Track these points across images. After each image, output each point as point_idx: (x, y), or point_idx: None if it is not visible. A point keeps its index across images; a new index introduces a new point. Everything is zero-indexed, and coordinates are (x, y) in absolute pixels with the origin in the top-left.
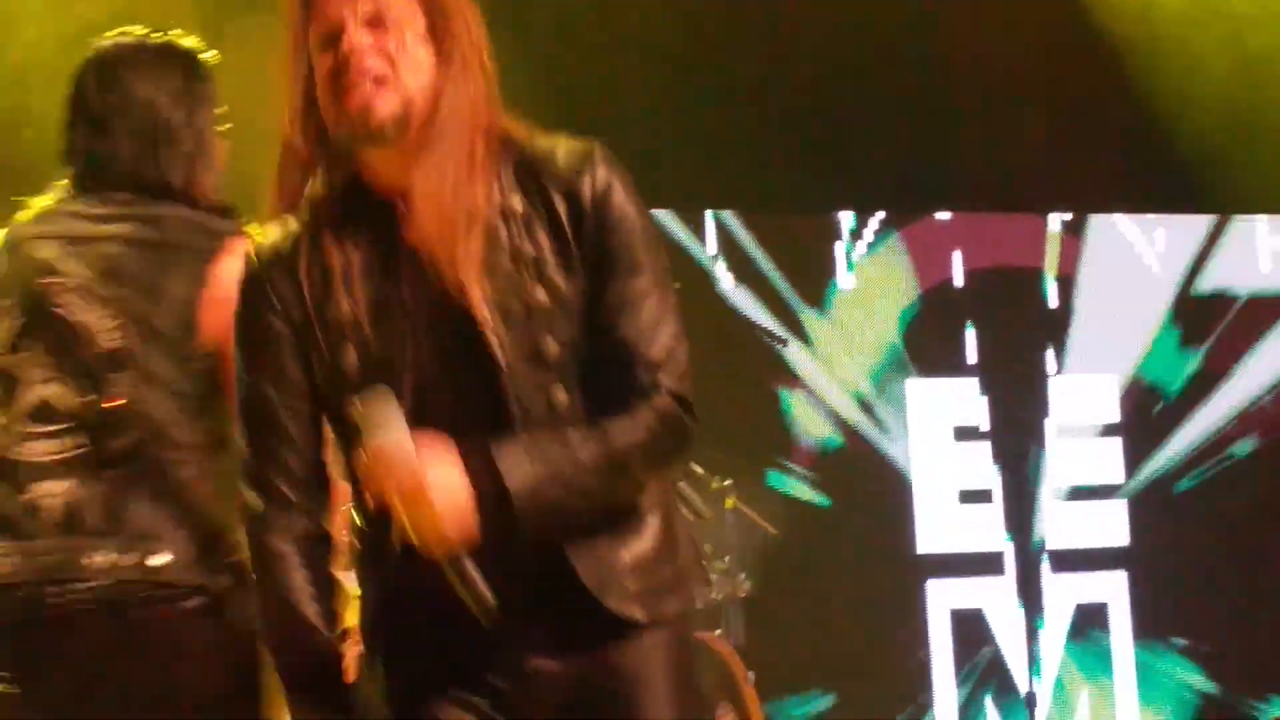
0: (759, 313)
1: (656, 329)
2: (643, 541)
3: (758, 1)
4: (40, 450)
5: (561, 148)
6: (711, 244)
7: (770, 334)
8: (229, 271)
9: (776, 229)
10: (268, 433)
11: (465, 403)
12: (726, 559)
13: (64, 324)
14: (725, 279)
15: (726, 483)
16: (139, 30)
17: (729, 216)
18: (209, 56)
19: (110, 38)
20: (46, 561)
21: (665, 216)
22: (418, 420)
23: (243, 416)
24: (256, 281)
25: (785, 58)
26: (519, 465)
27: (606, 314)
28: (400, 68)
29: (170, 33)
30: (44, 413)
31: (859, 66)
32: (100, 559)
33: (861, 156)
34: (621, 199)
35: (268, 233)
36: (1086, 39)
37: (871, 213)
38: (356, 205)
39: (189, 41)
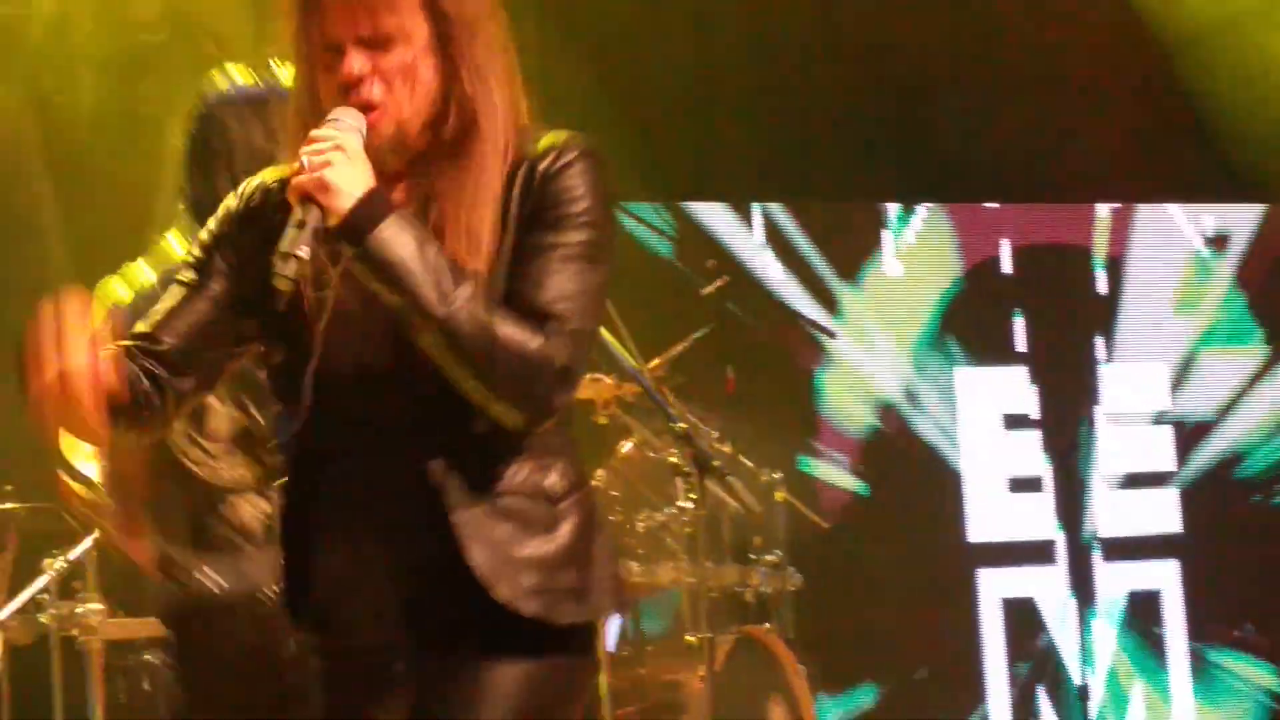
0: (806, 304)
1: (557, 287)
2: (550, 542)
3: None
4: (236, 471)
5: (548, 136)
6: (759, 235)
7: (818, 326)
8: None
9: (823, 220)
10: (165, 318)
11: (386, 355)
12: (776, 553)
13: None
14: (774, 270)
15: (776, 476)
16: (242, 70)
17: (776, 209)
18: None
19: (213, 79)
20: (255, 576)
21: (715, 209)
22: (329, 366)
23: (158, 297)
24: (232, 210)
25: (833, 51)
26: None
27: (517, 262)
28: (397, 91)
29: (272, 64)
30: (237, 437)
31: (907, 58)
32: None
33: (908, 147)
34: (575, 175)
35: (270, 175)
36: (1136, 29)
37: (917, 203)
38: None
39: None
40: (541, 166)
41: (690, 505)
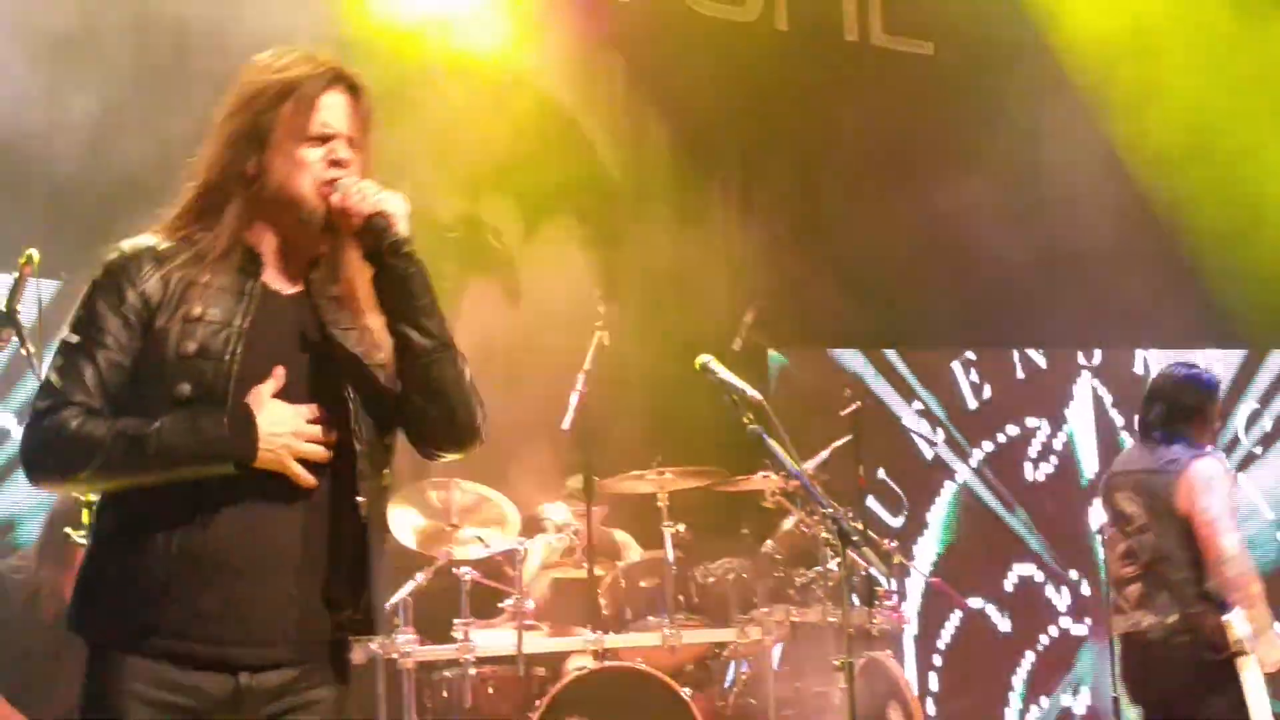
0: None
1: None
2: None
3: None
4: None
5: None
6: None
7: (925, 437)
8: None
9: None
10: (83, 370)
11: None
12: (894, 599)
13: None
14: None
15: (893, 544)
16: None
17: (893, 355)
18: None
19: None
20: None
21: (850, 354)
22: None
23: (66, 354)
24: (123, 264)
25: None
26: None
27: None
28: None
29: None
30: None
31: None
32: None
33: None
34: None
35: (146, 238)
36: None
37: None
38: (238, 248)
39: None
40: None
41: (835, 568)
